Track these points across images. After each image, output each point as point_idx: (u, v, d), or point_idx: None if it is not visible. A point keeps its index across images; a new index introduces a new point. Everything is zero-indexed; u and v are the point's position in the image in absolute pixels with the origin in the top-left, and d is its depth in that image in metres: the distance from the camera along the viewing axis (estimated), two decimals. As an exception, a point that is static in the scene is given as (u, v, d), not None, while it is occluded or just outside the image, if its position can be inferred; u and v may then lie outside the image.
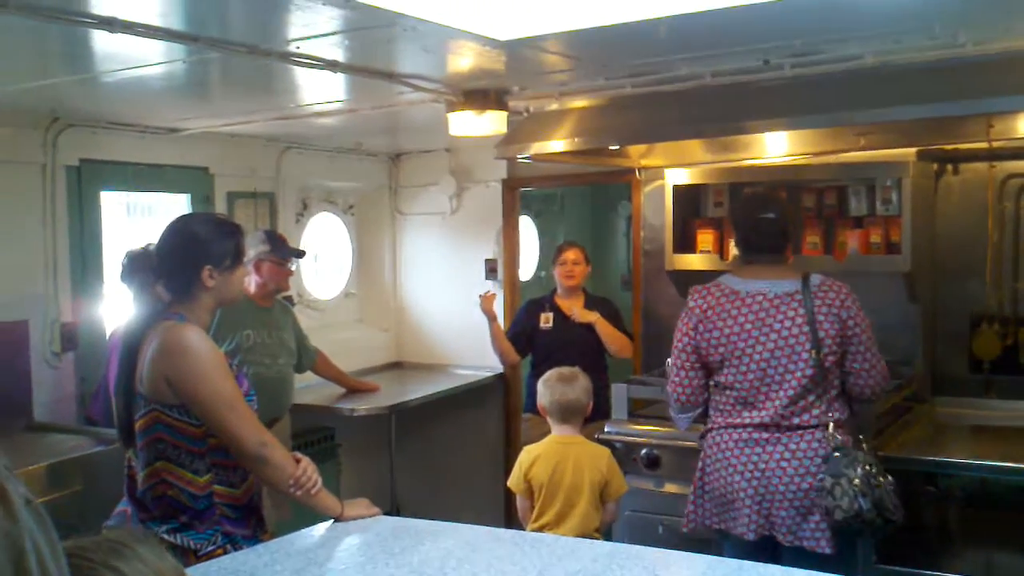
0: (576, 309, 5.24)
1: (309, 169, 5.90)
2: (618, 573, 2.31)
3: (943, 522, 4.24)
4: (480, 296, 5.24)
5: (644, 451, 4.14)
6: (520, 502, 3.62)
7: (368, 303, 6.59)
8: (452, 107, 3.98)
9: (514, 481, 3.62)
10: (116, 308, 4.60)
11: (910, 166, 4.28)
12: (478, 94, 3.89)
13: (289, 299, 5.31)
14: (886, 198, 4.43)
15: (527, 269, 7.34)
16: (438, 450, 5.82)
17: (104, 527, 2.84)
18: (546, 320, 5.24)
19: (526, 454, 3.65)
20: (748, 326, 3.31)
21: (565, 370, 3.73)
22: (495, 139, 4.42)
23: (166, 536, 2.62)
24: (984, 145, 4.38)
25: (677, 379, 3.46)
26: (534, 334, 5.27)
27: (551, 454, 3.59)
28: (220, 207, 5.24)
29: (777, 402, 3.27)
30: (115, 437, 3.75)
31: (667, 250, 4.81)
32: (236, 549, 2.65)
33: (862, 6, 2.84)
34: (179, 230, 2.83)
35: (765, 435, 3.27)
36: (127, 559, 1.16)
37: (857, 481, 3.14)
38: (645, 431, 4.21)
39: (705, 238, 4.77)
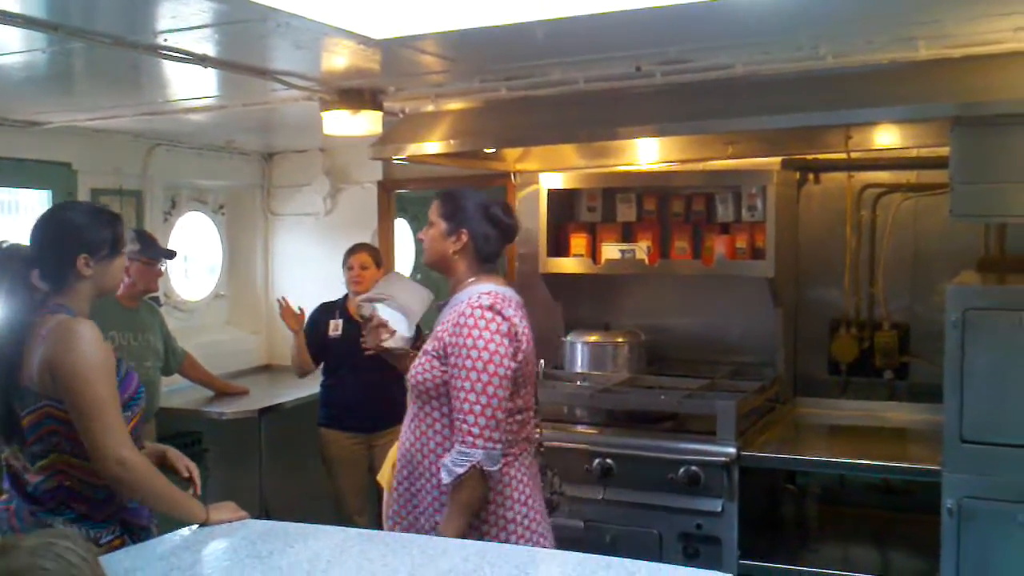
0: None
1: (178, 167, 5.75)
2: (488, 572, 2.31)
3: (802, 518, 4.40)
4: (280, 304, 5.10)
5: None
6: (388, 499, 3.56)
7: (238, 305, 6.45)
8: (326, 106, 3.94)
9: (385, 476, 3.57)
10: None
11: (774, 174, 4.43)
12: (353, 93, 3.86)
13: (156, 300, 5.16)
14: (752, 205, 4.58)
15: (401, 272, 7.29)
16: (308, 454, 5.72)
17: None
18: (335, 328, 5.01)
19: (395, 450, 3.60)
20: (526, 339, 2.97)
21: None
22: (370, 139, 4.39)
23: (63, 526, 2.55)
24: (843, 156, 4.57)
25: (493, 417, 2.80)
26: (324, 341, 5.04)
27: None
28: (83, 204, 5.05)
29: (533, 412, 3.08)
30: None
31: (541, 254, 4.86)
32: (133, 540, 2.61)
33: (732, 17, 2.92)
34: (54, 218, 2.75)
35: (532, 449, 3.08)
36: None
37: None
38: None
39: (578, 242, 4.84)
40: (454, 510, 2.81)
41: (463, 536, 2.72)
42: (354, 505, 5.07)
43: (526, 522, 2.93)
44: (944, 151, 3.91)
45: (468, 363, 2.78)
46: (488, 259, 3.06)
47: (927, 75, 3.57)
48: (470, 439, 2.77)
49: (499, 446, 2.81)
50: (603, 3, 2.70)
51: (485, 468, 2.78)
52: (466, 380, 2.78)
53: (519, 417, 2.96)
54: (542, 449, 3.33)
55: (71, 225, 2.70)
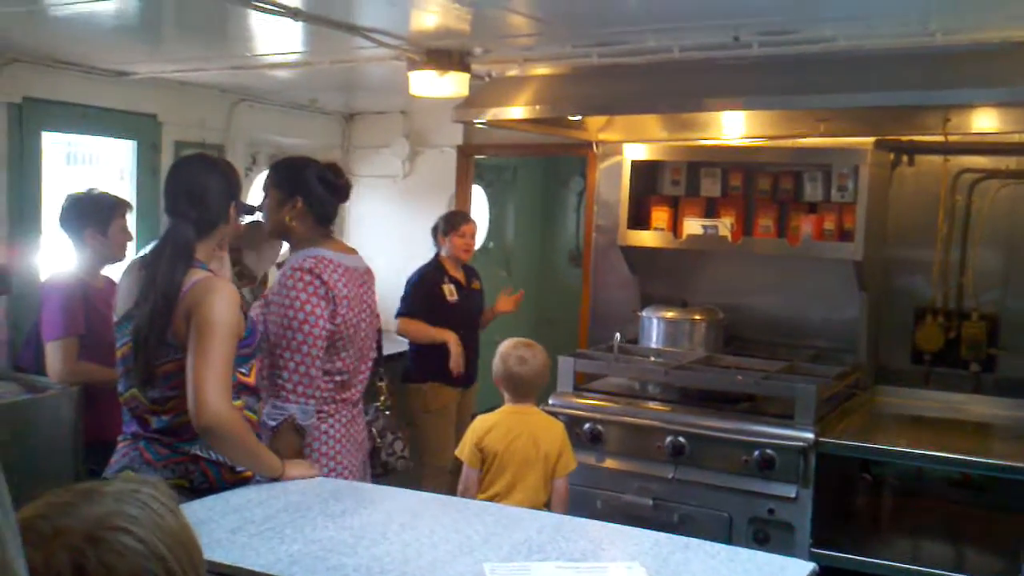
0: (505, 301, 5.39)
1: (260, 123, 5.76)
2: (563, 545, 2.27)
3: (877, 510, 4.29)
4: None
5: (587, 425, 4.11)
6: (467, 472, 3.55)
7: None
8: (413, 66, 3.89)
9: (465, 450, 3.56)
10: (52, 255, 4.46)
11: (868, 154, 4.29)
12: (441, 54, 3.81)
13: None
14: (842, 185, 4.44)
15: (477, 238, 7.27)
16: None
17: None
18: (451, 293, 5.14)
19: (480, 422, 3.59)
20: (355, 305, 3.11)
21: (522, 341, 3.67)
22: (451, 103, 4.35)
23: (200, 452, 2.65)
24: (940, 138, 4.39)
25: (307, 374, 2.94)
26: (436, 306, 5.12)
27: (507, 423, 3.54)
28: (167, 156, 5.09)
29: (362, 377, 3.23)
30: (45, 384, 3.66)
31: (621, 226, 4.77)
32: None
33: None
34: (211, 166, 2.85)
35: (355, 411, 3.23)
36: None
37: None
38: (589, 405, 4.18)
39: (660, 215, 4.74)
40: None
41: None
42: (449, 453, 5.05)
43: (332, 476, 3.01)
44: (1052, 136, 3.77)
45: (285, 322, 2.93)
46: (325, 221, 3.16)
47: (1036, 56, 3.42)
48: (283, 394, 2.91)
49: (312, 402, 2.96)
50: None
51: (298, 422, 2.92)
52: (282, 338, 2.93)
53: (338, 378, 3.10)
54: (386, 412, 3.59)
55: (228, 173, 2.83)
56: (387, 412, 3.63)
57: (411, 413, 5.13)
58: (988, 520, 4.16)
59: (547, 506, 3.48)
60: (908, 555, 4.01)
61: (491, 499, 3.42)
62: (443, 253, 5.22)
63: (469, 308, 5.23)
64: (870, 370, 4.59)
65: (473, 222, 5.31)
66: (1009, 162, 4.38)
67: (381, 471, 3.48)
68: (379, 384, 3.71)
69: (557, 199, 8.48)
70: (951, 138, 4.39)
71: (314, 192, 3.09)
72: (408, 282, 5.22)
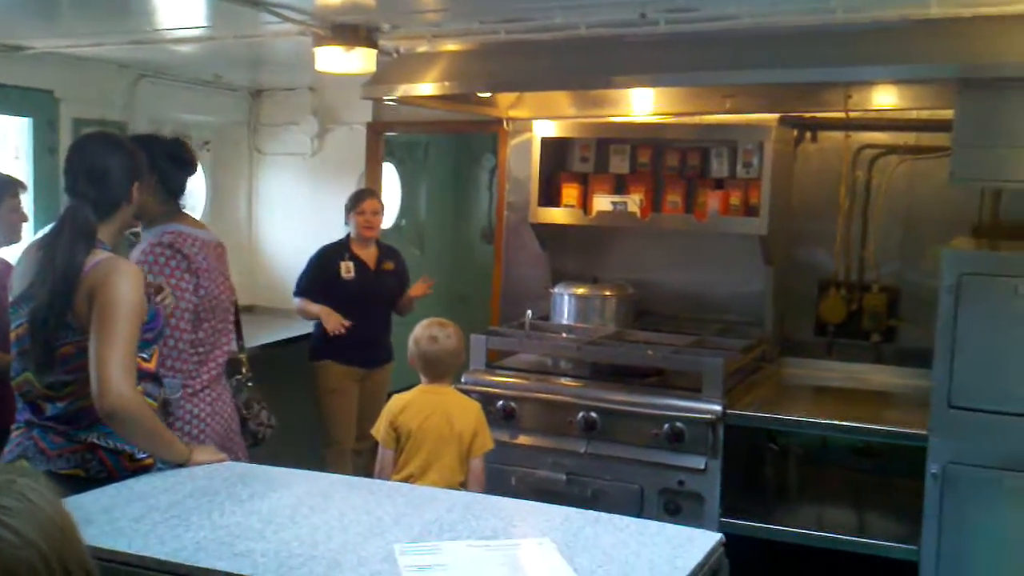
0: (417, 287, 5.34)
1: (164, 100, 5.61)
2: (474, 523, 2.28)
3: (783, 478, 4.39)
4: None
5: (500, 403, 4.12)
6: (382, 453, 3.53)
7: (221, 244, 6.34)
8: (319, 41, 3.83)
9: (380, 430, 3.54)
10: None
11: (772, 131, 4.36)
12: (347, 29, 3.75)
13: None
14: (747, 161, 4.51)
15: (388, 217, 7.22)
16: (291, 397, 5.66)
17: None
18: (347, 270, 5.08)
19: (395, 402, 3.57)
20: (215, 277, 3.29)
21: (436, 321, 3.65)
22: (360, 80, 4.29)
23: (97, 440, 2.59)
24: (842, 115, 4.49)
25: (176, 347, 3.13)
26: (332, 284, 5.10)
27: (421, 403, 3.53)
28: (65, 134, 4.93)
29: (224, 349, 3.37)
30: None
31: (532, 203, 4.78)
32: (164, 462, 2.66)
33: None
34: (111, 143, 2.77)
35: (219, 388, 3.35)
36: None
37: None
38: (502, 383, 4.20)
39: (570, 192, 4.75)
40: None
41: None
42: (348, 432, 5.20)
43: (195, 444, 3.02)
44: (944, 114, 3.88)
45: (149, 297, 2.93)
46: (176, 196, 3.28)
47: (935, 34, 3.51)
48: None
49: (179, 376, 3.05)
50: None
51: (167, 396, 2.94)
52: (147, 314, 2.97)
53: (200, 350, 3.21)
54: (248, 384, 3.64)
55: (127, 151, 2.76)
56: (249, 384, 3.67)
57: (315, 392, 5.16)
58: (889, 486, 4.30)
59: (463, 486, 3.48)
60: (814, 522, 4.13)
61: (406, 479, 3.41)
62: (350, 232, 5.18)
63: (372, 288, 5.14)
64: (776, 342, 4.68)
65: (375, 199, 5.23)
66: (908, 138, 4.49)
67: (251, 441, 3.58)
68: (239, 356, 3.71)
69: (469, 176, 8.46)
70: (852, 115, 4.49)
71: (163, 168, 3.18)
72: (308, 260, 5.21)
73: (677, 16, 3.48)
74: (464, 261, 8.25)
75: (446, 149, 8.24)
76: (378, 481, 2.91)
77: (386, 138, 6.13)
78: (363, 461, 5.05)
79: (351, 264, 5.09)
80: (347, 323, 5.00)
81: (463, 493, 2.64)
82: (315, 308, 5.07)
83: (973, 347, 3.48)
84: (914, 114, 4.41)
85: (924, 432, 3.58)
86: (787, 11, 3.42)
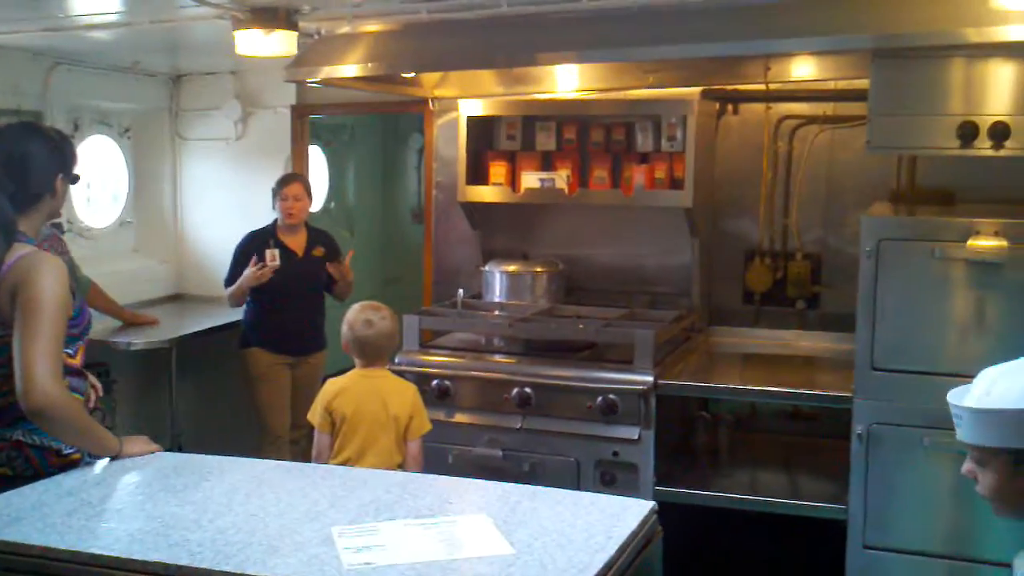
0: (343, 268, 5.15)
1: (81, 88, 5.49)
2: (411, 503, 2.30)
3: (715, 445, 4.48)
4: (266, 263, 4.95)
5: (435, 382, 4.14)
6: (319, 437, 3.52)
7: (146, 232, 6.25)
8: (238, 25, 3.78)
9: (316, 415, 3.54)
10: None
11: (694, 104, 4.41)
12: (267, 12, 3.71)
13: (59, 226, 4.97)
14: (671, 135, 4.56)
15: (316, 201, 7.17)
16: (222, 386, 5.62)
17: None
18: (272, 257, 4.97)
19: (330, 386, 3.57)
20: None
21: (369, 304, 3.65)
22: (284, 61, 4.25)
23: (22, 438, 2.56)
24: (762, 87, 4.57)
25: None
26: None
27: (356, 387, 3.53)
28: (-22, 125, 4.80)
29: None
30: None
31: (460, 182, 4.78)
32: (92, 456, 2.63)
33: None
34: (33, 135, 2.72)
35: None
36: None
37: None
38: (436, 362, 4.22)
39: (498, 170, 4.77)
40: None
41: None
42: (280, 420, 5.14)
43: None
44: (861, 84, 3.97)
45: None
46: None
47: (849, 6, 3.59)
48: None
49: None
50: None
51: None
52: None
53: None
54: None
55: (50, 141, 2.70)
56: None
57: (245, 381, 5.13)
58: (818, 448, 4.41)
59: (402, 468, 3.50)
60: (746, 486, 4.22)
61: (343, 463, 3.42)
62: (277, 218, 5.11)
63: (299, 275, 5.04)
64: (704, 312, 4.77)
65: (297, 183, 5.12)
66: (826, 108, 4.58)
67: None
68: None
69: (397, 157, 8.43)
70: (772, 86, 4.57)
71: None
72: (234, 250, 5.12)
73: (600, -9, 3.50)
74: (395, 242, 8.24)
75: (373, 130, 8.19)
76: (313, 465, 2.91)
77: (311, 121, 6.07)
78: (300, 449, 5.02)
79: (276, 252, 5.00)
80: (273, 263, 4.92)
81: (399, 473, 2.66)
82: (241, 282, 4.97)
83: (893, 310, 3.57)
84: (832, 84, 4.51)
85: (849, 395, 3.68)
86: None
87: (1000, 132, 3.56)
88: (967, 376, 3.33)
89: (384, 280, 7.70)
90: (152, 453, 2.68)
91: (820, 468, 4.26)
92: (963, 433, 2.02)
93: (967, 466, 2.07)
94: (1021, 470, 1.97)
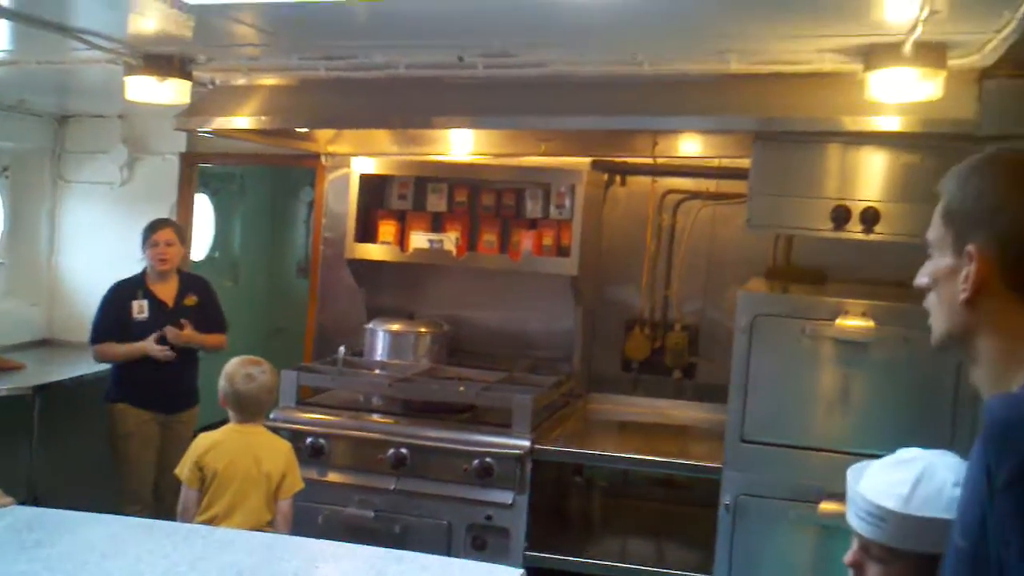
0: (183, 333, 4.74)
1: (-41, 123, 5.32)
2: (276, 566, 2.26)
3: (588, 510, 4.52)
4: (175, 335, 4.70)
5: (309, 439, 4.08)
6: (186, 493, 3.42)
7: (18, 274, 6.03)
8: (130, 70, 3.73)
9: (185, 469, 3.44)
10: None
11: (584, 174, 4.51)
12: (161, 59, 3.67)
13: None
14: (560, 203, 4.64)
15: (199, 249, 7.05)
16: (87, 438, 5.41)
17: None
18: (139, 309, 4.72)
19: (202, 440, 3.48)
20: None
21: (249, 359, 3.59)
22: (175, 108, 4.19)
23: None
24: (649, 160, 4.71)
25: None
26: (126, 326, 4.73)
27: (229, 442, 3.45)
28: None
29: None
30: None
31: (348, 239, 4.76)
32: None
33: (557, 15, 2.96)
34: None
35: None
36: None
37: None
38: (312, 419, 4.16)
39: (387, 229, 4.77)
40: None
41: None
42: (140, 483, 4.82)
43: None
44: (743, 162, 4.12)
45: None
46: None
47: (734, 89, 3.72)
48: None
49: None
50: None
51: None
52: None
53: None
54: None
55: None
56: None
57: (109, 437, 4.82)
58: (689, 516, 4.48)
59: (271, 526, 3.43)
60: (616, 553, 4.25)
61: (210, 521, 3.33)
62: (146, 266, 4.86)
63: (160, 326, 4.71)
64: (584, 378, 4.83)
65: (168, 228, 4.85)
66: (710, 184, 4.74)
67: None
68: None
69: (286, 209, 8.36)
70: (659, 160, 4.71)
71: None
72: (100, 302, 4.84)
73: (494, 61, 3.57)
74: (280, 293, 8.13)
75: (263, 181, 8.11)
76: (176, 524, 2.83)
77: (201, 168, 5.99)
78: (165, 506, 4.55)
79: (144, 303, 4.75)
80: (167, 351, 4.67)
81: (264, 535, 2.61)
82: (122, 349, 4.71)
83: (764, 384, 3.68)
84: (716, 162, 4.67)
85: (718, 465, 3.76)
86: (597, 61, 3.56)
87: (871, 217, 3.74)
88: (833, 451, 3.46)
89: (268, 331, 7.57)
90: (4, 507, 2.58)
91: (690, 536, 4.33)
92: (878, 534, 1.93)
93: (854, 557, 2.02)
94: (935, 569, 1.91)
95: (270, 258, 8.32)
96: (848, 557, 1.96)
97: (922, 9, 2.67)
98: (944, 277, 1.46)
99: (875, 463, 1.97)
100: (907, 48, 3.03)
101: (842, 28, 3.01)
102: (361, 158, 4.80)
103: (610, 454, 4.06)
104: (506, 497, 3.92)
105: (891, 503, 1.83)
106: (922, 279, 1.52)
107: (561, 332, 4.78)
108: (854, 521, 1.92)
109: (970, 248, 1.40)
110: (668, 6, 2.68)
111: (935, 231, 1.49)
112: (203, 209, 7.06)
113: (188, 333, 4.73)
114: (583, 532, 4.41)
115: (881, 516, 1.85)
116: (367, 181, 4.78)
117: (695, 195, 4.78)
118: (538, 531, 3.99)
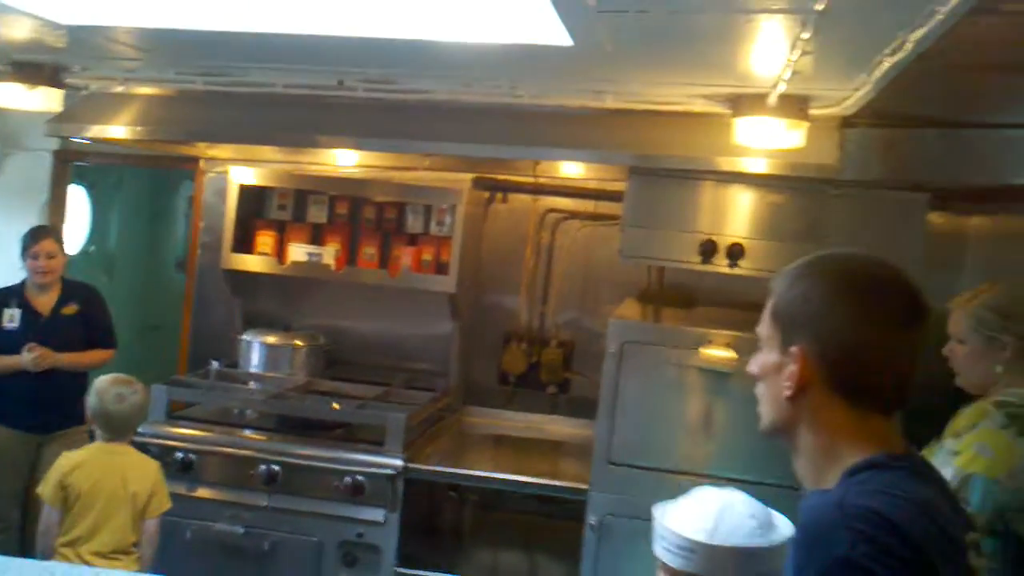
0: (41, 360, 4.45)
1: None
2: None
3: (461, 525, 4.59)
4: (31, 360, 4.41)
5: (179, 454, 4.04)
6: (48, 513, 3.36)
7: None
8: (-1, 76, 3.63)
9: (48, 489, 3.37)
10: None
11: (464, 192, 4.57)
12: (31, 67, 3.58)
13: None
14: (440, 219, 4.69)
15: (75, 244, 6.85)
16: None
17: None
18: (10, 318, 4.48)
19: (66, 460, 3.42)
20: None
21: (121, 378, 3.53)
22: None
23: None
24: (531, 179, 4.79)
25: None
26: None
27: (95, 462, 3.41)
28: None
29: None
30: None
31: (225, 249, 4.70)
32: None
33: (435, 54, 2.99)
34: None
35: None
36: None
37: None
38: (181, 435, 4.11)
39: (265, 240, 4.73)
40: None
41: None
42: (6, 506, 4.55)
43: None
44: (621, 186, 4.23)
45: None
46: None
47: (612, 123, 3.83)
48: None
49: None
50: (308, 25, 2.69)
51: None
52: None
53: None
54: None
55: None
56: None
57: None
58: (561, 531, 4.57)
59: (136, 547, 3.40)
60: (488, 567, 4.34)
61: (73, 541, 3.30)
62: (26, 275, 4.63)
63: (43, 338, 4.48)
64: (460, 392, 4.90)
65: (49, 238, 4.60)
66: (588, 205, 4.85)
67: None
68: None
69: (167, 203, 8.17)
70: (540, 180, 4.80)
71: None
72: None
73: (375, 87, 3.59)
74: (157, 290, 7.95)
75: (141, 174, 7.91)
76: (32, 563, 2.77)
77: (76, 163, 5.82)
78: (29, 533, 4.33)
79: (15, 312, 4.51)
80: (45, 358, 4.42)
81: (119, 574, 2.58)
82: (7, 362, 4.43)
83: (632, 408, 3.80)
84: (593, 184, 4.78)
85: (585, 487, 3.88)
86: (478, 91, 3.62)
87: (736, 252, 3.92)
88: (696, 474, 3.61)
89: (143, 328, 7.41)
90: None
91: (560, 550, 4.42)
92: (688, 565, 2.15)
93: None
94: None
95: (148, 253, 8.13)
96: None
97: (783, 69, 2.81)
98: (771, 372, 1.56)
99: (678, 500, 2.21)
100: (772, 100, 3.18)
101: (711, 79, 3.14)
102: (240, 168, 4.74)
103: (480, 474, 4.11)
104: (377, 515, 3.96)
105: (700, 536, 2.08)
106: (752, 368, 1.63)
107: (439, 346, 4.83)
108: (664, 555, 2.17)
109: (794, 349, 1.51)
110: (544, 52, 2.74)
111: (764, 328, 1.60)
112: (78, 203, 6.87)
113: (44, 354, 4.43)
114: (456, 546, 4.48)
115: (691, 548, 2.13)
116: (246, 191, 4.73)
117: (574, 215, 4.89)
118: (411, 546, 4.04)
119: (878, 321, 1.47)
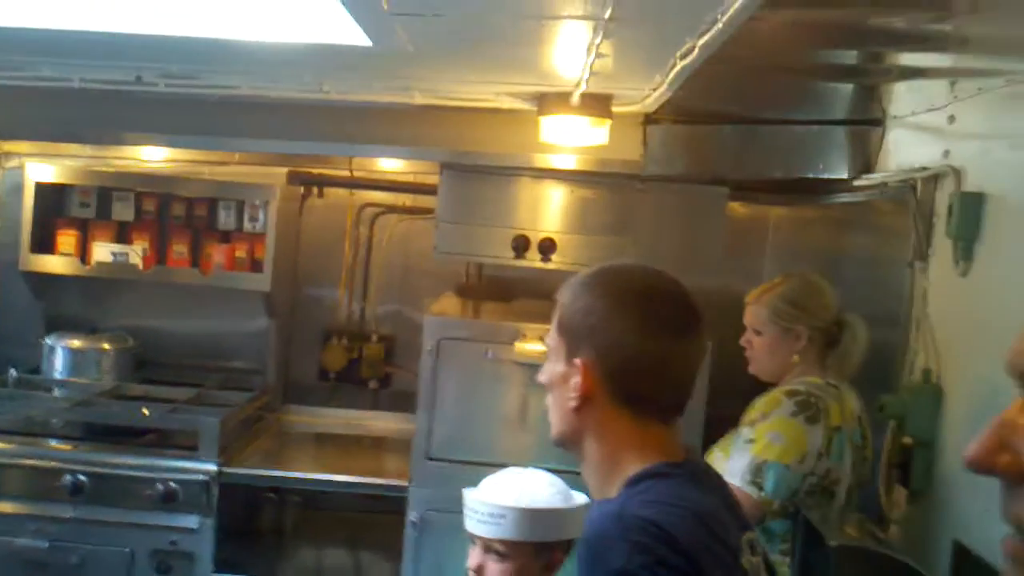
0: None
1: None
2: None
3: (282, 525, 4.53)
4: None
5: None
6: None
7: None
8: None
9: None
10: None
11: (278, 190, 4.48)
12: None
13: None
14: (253, 216, 4.58)
15: None
16: None
17: None
18: None
19: None
20: None
21: None
22: None
23: None
24: (347, 173, 4.75)
25: None
26: None
27: None
28: None
29: None
30: None
31: (23, 250, 4.46)
32: None
33: (236, 51, 2.92)
34: None
35: None
36: None
37: None
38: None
39: (67, 240, 4.50)
40: None
41: None
42: None
43: None
44: (437, 179, 4.24)
45: None
46: None
47: (422, 119, 3.84)
48: None
49: None
50: (101, 21, 2.58)
51: None
52: None
53: None
54: None
55: None
56: None
57: None
58: (385, 525, 4.56)
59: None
60: (311, 567, 4.30)
61: None
62: None
63: None
64: (279, 391, 4.82)
65: None
66: (405, 199, 4.83)
67: None
68: None
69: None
70: (356, 174, 4.76)
71: None
72: None
73: (176, 82, 3.48)
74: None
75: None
76: None
77: None
78: None
79: None
80: None
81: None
82: None
83: (450, 404, 3.82)
84: (411, 178, 4.76)
85: (405, 484, 3.89)
86: (285, 88, 3.56)
87: (548, 247, 4.00)
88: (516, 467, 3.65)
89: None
90: None
91: (385, 547, 4.39)
92: (499, 531, 2.27)
93: (478, 560, 2.31)
94: (542, 558, 2.26)
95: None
96: (471, 562, 2.27)
97: (584, 70, 2.88)
98: (558, 382, 1.61)
99: (484, 479, 2.36)
100: (575, 98, 3.25)
101: (515, 78, 3.19)
102: (38, 164, 4.50)
103: (298, 475, 4.07)
104: (191, 522, 3.85)
105: (508, 501, 2.20)
106: (542, 379, 1.67)
107: (256, 344, 4.73)
108: (477, 527, 2.29)
109: (578, 360, 1.56)
110: (346, 51, 2.72)
111: (552, 339, 1.64)
112: None
113: None
114: (276, 548, 4.42)
115: (501, 514, 2.28)
116: (43, 188, 4.50)
117: (391, 209, 4.86)
118: (228, 551, 3.95)
119: (653, 331, 1.53)
